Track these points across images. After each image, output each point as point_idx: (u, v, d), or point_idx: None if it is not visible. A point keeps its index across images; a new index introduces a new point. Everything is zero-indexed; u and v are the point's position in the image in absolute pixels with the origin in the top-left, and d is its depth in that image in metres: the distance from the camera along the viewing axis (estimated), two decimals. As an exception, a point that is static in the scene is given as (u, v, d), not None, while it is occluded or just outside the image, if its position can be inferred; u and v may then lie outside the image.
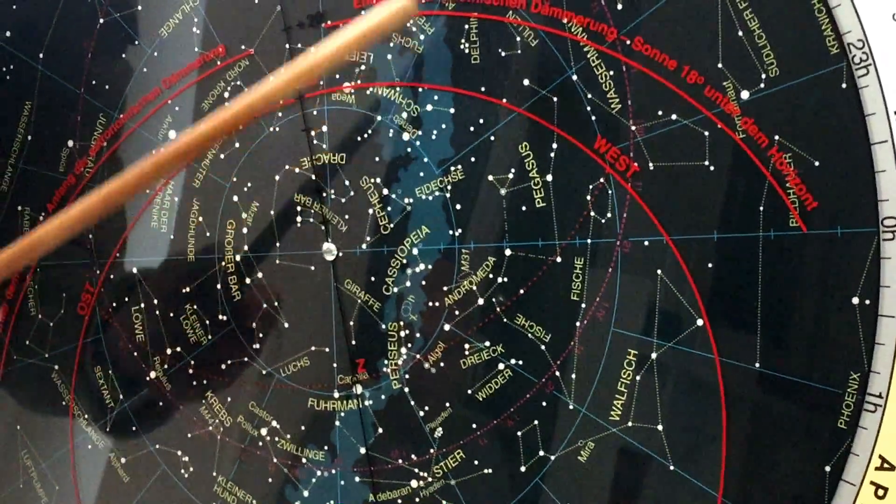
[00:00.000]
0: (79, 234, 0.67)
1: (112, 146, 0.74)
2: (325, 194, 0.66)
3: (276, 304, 0.68)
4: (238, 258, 0.69)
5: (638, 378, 0.56)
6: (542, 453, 0.60)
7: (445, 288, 0.62)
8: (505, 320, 0.60)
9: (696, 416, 0.55)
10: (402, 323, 0.64)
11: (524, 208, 0.59)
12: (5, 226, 0.80)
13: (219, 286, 0.70)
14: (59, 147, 0.77)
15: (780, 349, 0.53)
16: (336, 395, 0.66)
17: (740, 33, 0.53)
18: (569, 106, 0.58)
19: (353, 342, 0.65)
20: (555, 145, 0.58)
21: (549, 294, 0.59)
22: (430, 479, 0.63)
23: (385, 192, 0.64)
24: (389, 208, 0.64)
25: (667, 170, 0.55)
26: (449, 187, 0.62)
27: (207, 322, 0.70)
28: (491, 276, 0.61)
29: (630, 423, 0.57)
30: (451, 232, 0.62)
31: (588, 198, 0.58)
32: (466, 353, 0.61)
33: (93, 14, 0.75)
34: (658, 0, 0.55)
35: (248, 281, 0.69)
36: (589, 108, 0.57)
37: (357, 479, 0.66)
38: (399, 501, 0.65)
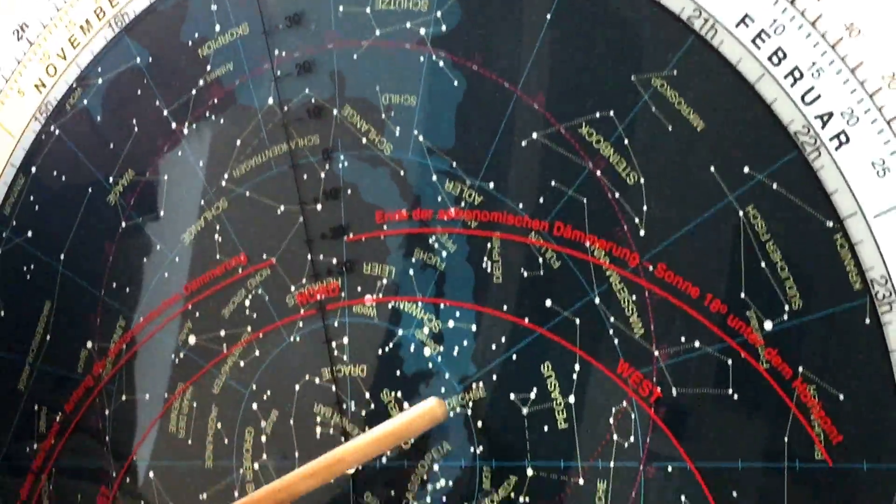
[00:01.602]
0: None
1: (131, 349, 0.75)
2: (345, 406, 0.66)
3: (295, 521, 0.67)
4: (256, 466, 0.69)
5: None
6: None
7: (466, 508, 0.62)
8: (527, 551, 0.60)
9: None
10: (422, 539, 0.63)
11: (546, 428, 0.59)
12: (22, 425, 0.79)
13: (236, 493, 0.69)
14: (78, 348, 0.77)
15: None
16: None
17: (763, 264, 0.54)
18: (591, 328, 0.59)
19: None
20: (577, 367, 0.59)
21: (572, 516, 0.59)
22: None
23: (406, 406, 0.64)
24: (411, 424, 0.64)
25: (690, 396, 0.55)
26: (470, 404, 0.62)
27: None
28: (513, 494, 0.61)
29: None
30: (472, 449, 0.62)
31: (611, 421, 0.58)
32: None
33: (115, 218, 0.76)
34: (681, 228, 0.56)
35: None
36: (611, 332, 0.58)
37: None
38: None
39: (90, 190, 0.79)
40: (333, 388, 0.67)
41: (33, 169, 0.82)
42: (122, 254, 0.76)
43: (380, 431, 0.60)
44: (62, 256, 0.78)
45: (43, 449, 0.79)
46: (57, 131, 0.81)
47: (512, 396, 0.61)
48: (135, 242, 0.76)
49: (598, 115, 0.59)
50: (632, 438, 0.57)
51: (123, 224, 0.77)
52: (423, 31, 0.65)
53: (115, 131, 0.78)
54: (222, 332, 0.71)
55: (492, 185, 0.62)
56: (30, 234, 0.81)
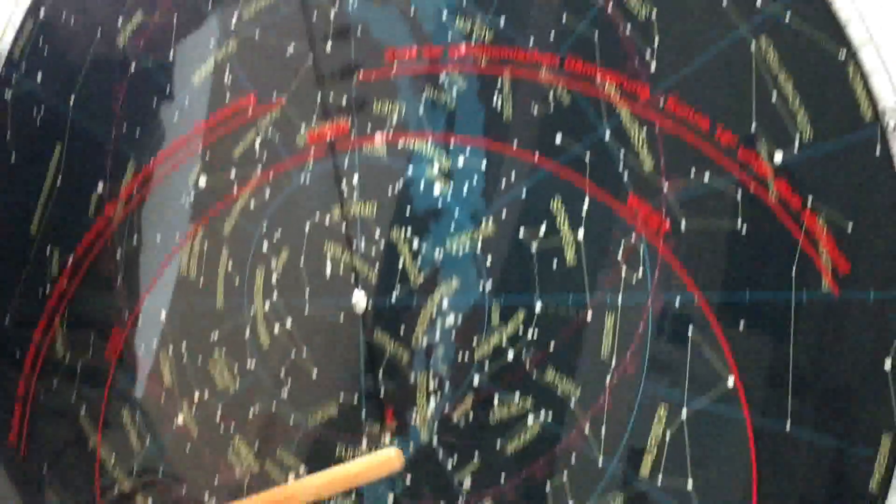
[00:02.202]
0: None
1: (142, 192, 0.75)
2: (355, 245, 0.66)
3: (304, 352, 0.68)
4: (267, 306, 0.69)
5: (668, 435, 0.56)
6: (570, 507, 0.60)
7: (475, 341, 0.62)
8: (534, 375, 0.61)
9: (725, 475, 0.56)
10: (431, 374, 0.64)
11: (555, 264, 0.60)
12: (35, 269, 0.80)
13: (247, 333, 0.70)
14: (89, 191, 0.77)
15: (812, 410, 0.53)
16: (364, 444, 0.66)
17: (774, 96, 0.53)
18: (601, 164, 0.59)
19: (382, 392, 0.65)
20: (587, 202, 0.59)
21: (579, 350, 0.60)
22: (458, 530, 0.64)
23: (416, 243, 0.64)
24: (420, 260, 0.64)
25: (699, 229, 0.56)
26: (480, 241, 0.62)
27: (236, 368, 0.71)
28: (521, 330, 0.61)
29: (660, 480, 0.57)
30: (481, 285, 0.62)
31: (619, 255, 0.58)
32: (495, 406, 0.62)
33: (124, 61, 0.76)
34: (692, 62, 0.55)
35: (276, 329, 0.69)
36: (621, 167, 0.58)
37: (385, 528, 0.66)
38: (427, 551, 0.65)
39: (99, 32, 0.78)
40: (343, 226, 0.67)
41: (42, 12, 0.82)
42: (131, 96, 0.76)
43: (335, 474, 0.62)
44: (72, 100, 0.78)
45: (55, 292, 0.79)
46: (65, -27, 0.80)
47: (521, 233, 0.61)
48: (144, 85, 0.76)
49: (610, -54, 0.59)
50: (640, 272, 0.58)
51: (133, 67, 0.76)
52: None
53: (123, -28, 0.77)
54: (233, 174, 0.71)
55: (503, 20, 0.62)
56: (40, 77, 0.81)
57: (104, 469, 0.78)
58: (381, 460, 0.62)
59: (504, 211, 0.61)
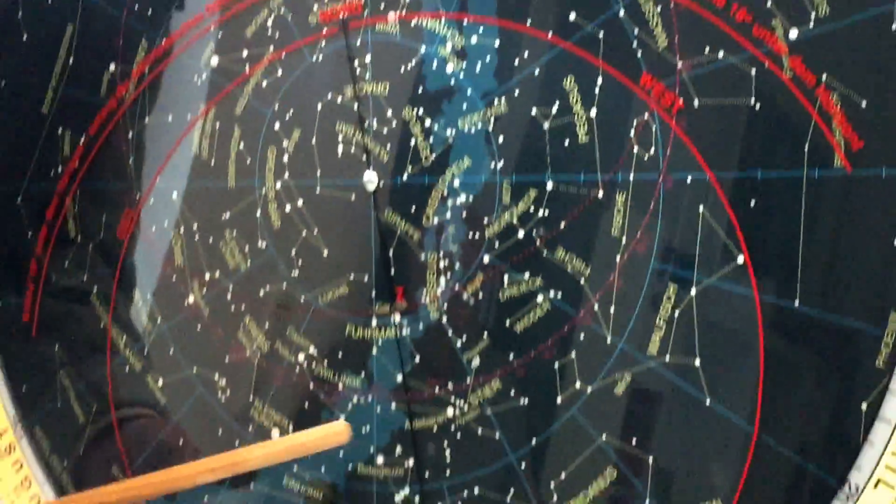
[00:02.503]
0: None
1: (154, 71, 0.75)
2: (367, 124, 0.66)
3: (315, 232, 0.68)
4: (279, 186, 0.69)
5: (677, 313, 0.57)
6: (578, 385, 0.61)
7: (486, 220, 0.62)
8: (545, 253, 0.61)
9: (733, 352, 0.56)
10: (441, 253, 0.64)
11: (567, 142, 0.60)
12: (46, 149, 0.80)
13: (259, 213, 0.70)
14: (101, 71, 0.77)
15: (820, 287, 0.53)
16: (374, 323, 0.67)
17: (790, -28, 0.53)
18: (615, 41, 0.58)
19: (392, 271, 0.66)
20: (600, 80, 0.59)
21: (590, 228, 0.60)
22: (466, 408, 0.64)
23: (427, 123, 0.64)
24: (431, 139, 0.64)
25: (712, 107, 0.55)
26: (492, 120, 0.62)
27: (247, 248, 0.71)
28: (532, 208, 0.61)
29: (667, 358, 0.57)
30: (492, 164, 0.62)
31: (632, 133, 0.58)
32: (505, 284, 0.62)
33: (137, -62, 0.75)
34: (708, -64, 0.55)
35: (288, 208, 0.69)
36: (635, 44, 0.57)
37: (393, 406, 0.67)
38: (435, 429, 0.66)
39: None
40: (356, 106, 0.67)
41: None
42: (144, -25, 0.75)
43: (282, 444, 0.63)
44: (84, -22, 0.78)
45: (67, 172, 0.80)
46: None
47: (534, 111, 0.61)
48: (156, -37, 0.75)
49: None
50: (652, 150, 0.58)
51: (145, -57, 0.76)
52: None
53: None
54: (245, 53, 0.71)
55: None
56: (50, -44, 0.81)
57: (116, 348, 0.78)
58: (328, 432, 0.64)
59: (517, 90, 0.61)
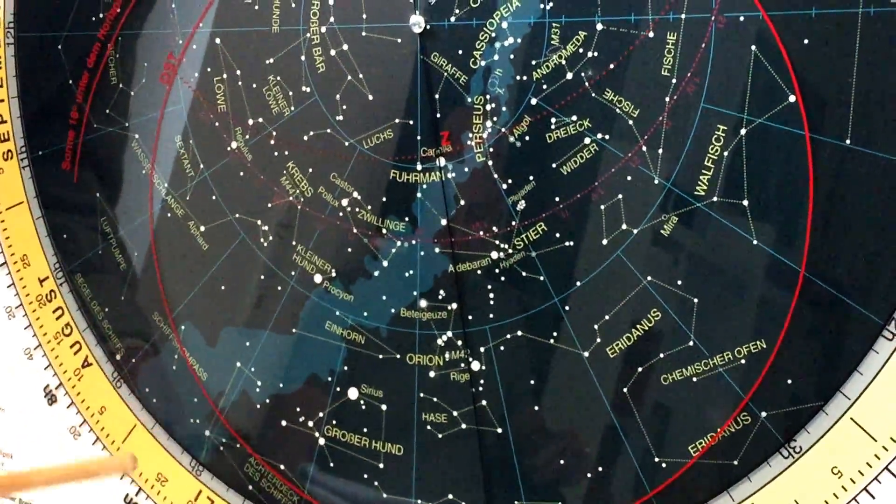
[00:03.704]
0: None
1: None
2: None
3: (360, 76, 0.68)
4: (323, 29, 0.69)
5: (726, 153, 0.57)
6: (624, 227, 0.61)
7: (534, 62, 0.62)
8: (593, 95, 0.61)
9: (782, 192, 0.56)
10: (488, 97, 0.64)
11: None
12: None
13: (303, 57, 0.70)
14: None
15: (872, 125, 0.53)
16: (419, 167, 0.67)
17: None
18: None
19: (438, 115, 0.66)
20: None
21: (640, 69, 0.60)
22: (510, 251, 0.65)
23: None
24: (480, -20, 0.64)
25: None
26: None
27: (290, 93, 0.71)
28: (581, 50, 0.61)
29: (715, 199, 0.58)
30: (541, 5, 0.62)
31: (685, -29, 0.57)
32: (552, 127, 0.62)
33: None
34: None
35: (332, 52, 0.69)
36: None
37: (437, 250, 0.67)
38: (479, 272, 0.66)
39: None
40: (403, -53, 0.67)
41: None
42: None
43: (67, 470, 0.59)
44: None
45: (108, 18, 0.79)
46: None
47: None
48: None
49: None
50: None
51: None
52: None
53: None
54: None
55: None
56: None
57: (157, 195, 0.79)
58: (115, 462, 0.63)
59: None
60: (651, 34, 0.59)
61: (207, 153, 0.76)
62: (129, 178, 0.80)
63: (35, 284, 0.84)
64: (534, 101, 0.62)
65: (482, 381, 0.67)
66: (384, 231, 0.69)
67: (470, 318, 0.67)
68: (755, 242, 0.57)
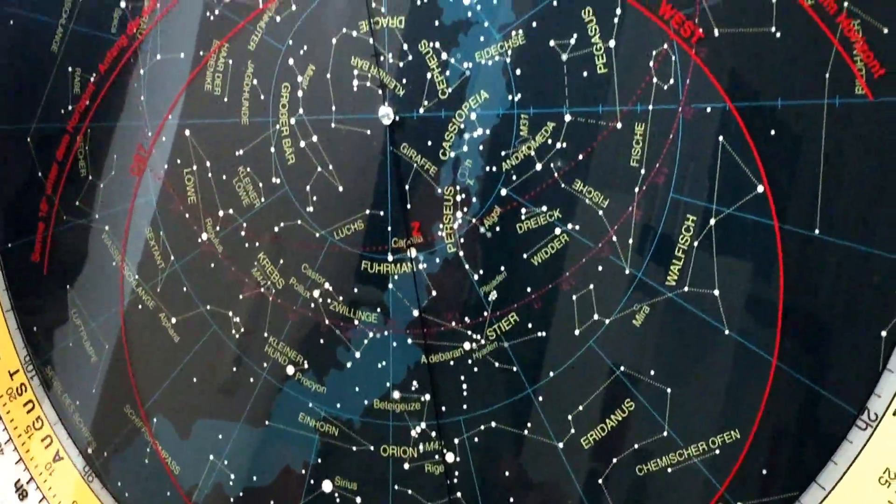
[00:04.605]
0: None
1: (166, 7, 0.74)
2: (382, 58, 0.66)
3: (330, 167, 0.68)
4: (293, 121, 0.69)
5: (696, 243, 0.57)
6: (596, 317, 0.61)
7: (503, 153, 0.63)
8: (563, 185, 0.61)
9: (753, 282, 0.56)
10: (458, 187, 0.64)
11: (585, 74, 0.60)
12: (56, 88, 0.80)
13: (273, 149, 0.70)
14: (111, 7, 0.77)
15: (841, 215, 0.53)
16: (390, 258, 0.67)
17: None
18: (634, -29, 0.58)
19: (409, 206, 0.66)
20: (618, 10, 0.58)
21: (609, 160, 0.60)
22: (483, 342, 0.65)
23: (444, 56, 0.64)
24: (448, 73, 0.64)
25: (732, 36, 0.55)
26: (509, 52, 0.62)
27: (261, 184, 0.71)
28: (550, 141, 0.61)
29: (686, 288, 0.58)
30: (510, 97, 0.62)
31: (651, 64, 0.58)
32: (523, 217, 0.62)
33: None
34: None
35: (302, 144, 0.69)
36: (655, -27, 0.57)
37: (409, 340, 0.67)
38: (451, 363, 0.66)
39: None
40: (371, 40, 0.67)
41: None
42: (154, -90, 0.75)
43: None
44: (92, -85, 0.77)
45: (78, 110, 0.79)
46: None
47: (552, 43, 0.61)
48: None
49: None
50: (671, 81, 0.58)
51: None
52: None
53: None
54: (258, -13, 0.71)
55: None
56: None
57: (127, 287, 0.78)
58: None
59: (534, 21, 0.61)
60: (619, 125, 0.59)
61: (178, 245, 0.76)
62: (100, 269, 0.80)
63: (5, 378, 0.83)
64: (504, 192, 0.62)
65: (457, 473, 0.66)
66: (356, 322, 0.69)
67: (444, 409, 0.66)
68: (727, 332, 0.56)
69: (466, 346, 0.65)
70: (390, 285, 0.67)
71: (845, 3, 0.52)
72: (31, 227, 0.82)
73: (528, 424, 0.64)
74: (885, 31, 0.51)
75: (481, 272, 0.64)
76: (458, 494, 0.66)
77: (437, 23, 0.64)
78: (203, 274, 0.74)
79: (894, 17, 0.51)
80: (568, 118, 0.60)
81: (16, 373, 0.83)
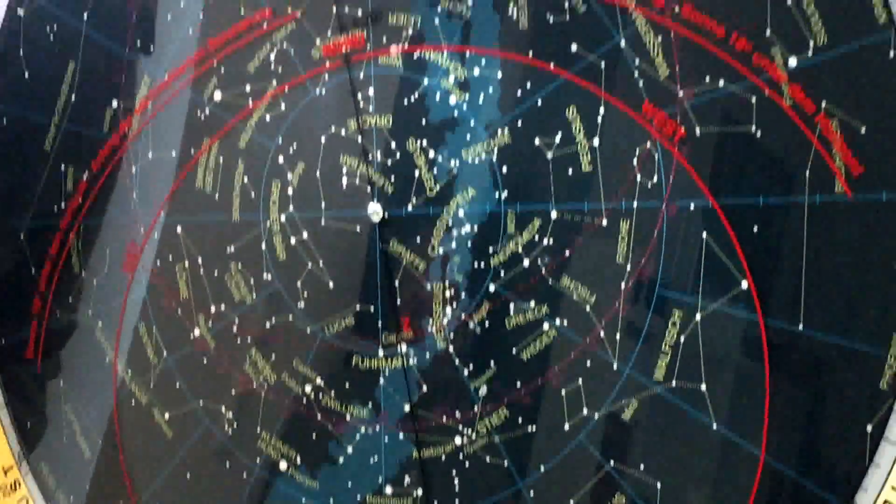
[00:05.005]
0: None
1: (157, 106, 0.75)
2: (371, 156, 0.67)
3: (320, 263, 0.69)
4: (283, 218, 0.70)
5: (682, 338, 0.57)
6: (585, 412, 0.61)
7: (491, 249, 0.63)
8: (550, 281, 0.61)
9: (739, 377, 0.57)
10: (447, 283, 0.65)
11: (570, 171, 0.61)
12: (49, 185, 0.80)
13: (263, 246, 0.71)
14: (103, 107, 0.78)
15: (824, 311, 0.54)
16: (381, 353, 0.67)
17: (789, 1, 0.54)
18: (616, 72, 0.59)
19: (398, 301, 0.66)
20: (602, 110, 0.59)
21: (595, 256, 0.60)
22: (473, 437, 0.65)
23: (431, 154, 0.65)
24: (436, 170, 0.65)
25: (713, 135, 0.56)
26: (496, 150, 0.63)
27: (252, 281, 0.72)
28: (537, 237, 0.62)
29: (674, 383, 0.58)
30: (497, 194, 0.63)
31: (634, 162, 0.59)
32: (511, 313, 0.63)
33: (138, -25, 0.76)
34: (707, -33, 0.56)
35: (293, 241, 0.70)
36: (636, 74, 0.58)
37: (401, 435, 0.67)
38: (443, 458, 0.66)
39: (112, -52, 0.79)
40: (359, 138, 0.68)
41: (54, -70, 0.82)
42: (146, 12, 0.76)
43: None
44: (85, 16, 0.78)
45: (70, 208, 0.80)
46: None
47: (537, 141, 0.62)
48: (158, 0, 0.76)
49: None
50: (655, 178, 0.58)
51: (147, -19, 0.77)
52: None
53: None
54: (248, 87, 0.72)
55: (517, -69, 0.62)
56: (52, -6, 0.81)
57: (121, 383, 0.79)
58: None
59: (520, 120, 0.62)
60: (604, 222, 0.60)
61: (171, 340, 0.76)
62: (93, 365, 0.80)
63: (-1, 474, 0.83)
64: (492, 288, 0.63)
65: (451, 567, 0.66)
66: (348, 417, 0.69)
67: (436, 503, 0.66)
68: (714, 427, 0.57)
69: (458, 440, 0.65)
70: (381, 380, 0.68)
71: (823, 103, 0.53)
72: (24, 325, 0.82)
73: (520, 518, 0.64)
74: (863, 130, 0.52)
75: (471, 367, 0.64)
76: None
77: (424, 121, 0.65)
78: (196, 369, 0.75)
79: (871, 116, 0.52)
80: (554, 215, 0.61)
81: (10, 469, 0.83)
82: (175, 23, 0.75)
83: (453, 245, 0.64)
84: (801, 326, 0.54)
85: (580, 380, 0.61)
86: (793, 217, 0.55)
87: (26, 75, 0.81)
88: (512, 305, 0.63)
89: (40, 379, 0.83)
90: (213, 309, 0.74)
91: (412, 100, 0.65)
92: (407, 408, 0.67)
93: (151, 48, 0.76)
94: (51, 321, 0.81)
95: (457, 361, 0.65)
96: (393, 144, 0.66)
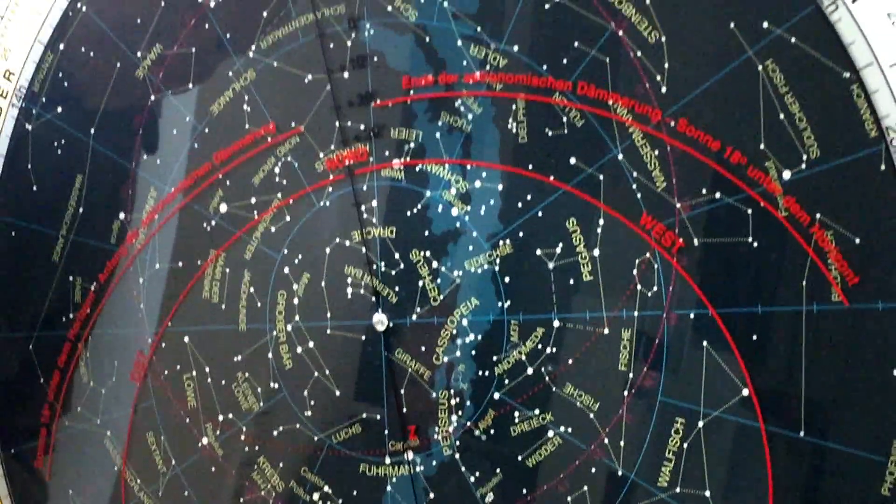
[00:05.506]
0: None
1: (164, 218, 0.76)
2: (375, 267, 0.68)
3: (327, 371, 0.70)
4: (289, 328, 0.71)
5: (685, 445, 0.58)
6: (591, 518, 0.62)
7: (495, 358, 0.64)
8: (554, 389, 0.62)
9: (742, 483, 0.57)
10: (452, 391, 0.66)
11: (572, 281, 0.61)
12: (57, 296, 0.82)
13: (270, 355, 0.72)
14: (111, 219, 0.79)
15: (825, 418, 0.55)
16: (387, 461, 0.68)
17: (781, 116, 0.55)
18: (615, 184, 0.60)
19: (404, 410, 0.67)
20: (601, 221, 0.60)
21: (597, 364, 0.61)
22: (482, 543, 0.65)
23: (435, 264, 0.66)
24: (439, 280, 0.66)
25: (711, 245, 0.57)
26: (498, 261, 0.64)
27: (259, 389, 0.72)
28: (540, 346, 0.63)
29: (678, 489, 0.59)
30: (500, 304, 0.64)
31: (634, 272, 0.60)
32: (516, 420, 0.63)
33: (144, 91, 0.77)
34: (701, 84, 0.57)
35: (299, 350, 0.71)
36: (634, 186, 0.59)
37: (409, 542, 0.68)
38: (452, 566, 0.66)
39: (118, 64, 0.80)
40: (363, 249, 0.69)
41: (61, 46, 0.84)
42: (151, 126, 0.78)
43: None
44: (92, 130, 0.80)
45: (79, 318, 0.81)
46: (84, 7, 0.82)
47: (538, 252, 0.63)
48: (164, 115, 0.78)
49: (620, -25, 0.61)
50: (655, 288, 0.59)
51: (152, 97, 0.78)
52: None
53: (142, 6, 0.79)
54: (253, 200, 0.73)
55: (516, 47, 0.64)
56: (59, 109, 0.83)
57: (130, 492, 0.79)
58: None
59: (521, 231, 0.63)
60: (606, 330, 0.60)
61: (179, 449, 0.76)
62: (102, 475, 0.81)
63: (8, 586, 0.84)
64: (497, 396, 0.64)
65: None
66: (357, 524, 0.69)
67: None
68: (720, 533, 0.57)
69: (466, 547, 0.65)
70: (389, 488, 0.68)
71: (818, 215, 0.54)
72: (34, 434, 0.83)
73: None
74: (857, 241, 0.53)
75: (478, 474, 0.65)
76: None
77: (427, 233, 0.66)
78: (204, 478, 0.75)
79: (865, 227, 0.53)
80: (557, 324, 0.62)
81: (18, 579, 0.83)
82: (180, 137, 0.76)
83: (458, 353, 0.65)
84: (802, 433, 0.55)
85: (585, 486, 0.62)
86: (791, 325, 0.56)
87: (34, 188, 0.82)
88: (516, 413, 0.64)
89: (50, 488, 0.83)
90: (220, 417, 0.75)
91: (415, 211, 0.67)
92: (415, 516, 0.67)
93: (158, 162, 0.77)
94: (59, 430, 0.82)
95: (463, 468, 0.65)
96: (397, 255, 0.67)
